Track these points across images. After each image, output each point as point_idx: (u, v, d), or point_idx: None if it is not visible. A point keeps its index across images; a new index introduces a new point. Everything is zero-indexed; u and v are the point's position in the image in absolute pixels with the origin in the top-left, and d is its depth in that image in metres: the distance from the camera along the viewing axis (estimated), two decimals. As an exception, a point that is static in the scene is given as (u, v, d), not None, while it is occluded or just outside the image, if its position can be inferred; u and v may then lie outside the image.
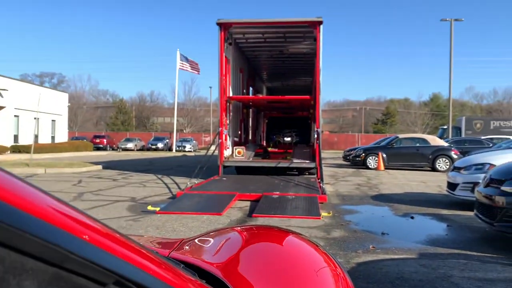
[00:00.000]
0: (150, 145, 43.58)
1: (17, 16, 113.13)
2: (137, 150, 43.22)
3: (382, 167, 18.32)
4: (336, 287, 1.24)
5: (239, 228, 1.74)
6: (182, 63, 37.92)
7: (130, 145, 43.39)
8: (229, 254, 1.26)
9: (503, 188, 5.29)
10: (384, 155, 18.76)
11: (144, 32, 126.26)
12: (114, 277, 0.38)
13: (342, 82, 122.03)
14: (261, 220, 6.95)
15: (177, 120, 49.08)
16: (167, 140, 45.23)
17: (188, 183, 10.25)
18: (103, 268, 0.36)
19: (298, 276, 1.22)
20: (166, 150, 42.72)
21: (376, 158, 18.74)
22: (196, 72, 39.86)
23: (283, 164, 12.81)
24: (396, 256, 4.86)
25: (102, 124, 75.28)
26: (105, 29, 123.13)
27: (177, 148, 41.63)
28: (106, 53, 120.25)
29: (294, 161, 12.83)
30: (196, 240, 1.45)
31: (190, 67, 38.54)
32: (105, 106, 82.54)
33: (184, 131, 63.60)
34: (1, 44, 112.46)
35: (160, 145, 43.25)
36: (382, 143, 20.53)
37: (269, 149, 18.93)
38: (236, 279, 0.95)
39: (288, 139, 19.79)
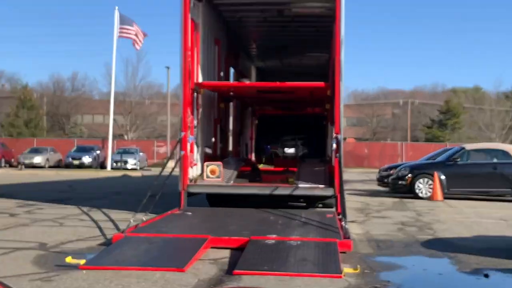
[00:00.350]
0: (70, 159, 43.42)
1: None
2: (49, 167, 42.99)
3: (439, 196, 18.34)
4: None
5: None
6: (124, 29, 37.87)
7: (38, 159, 43.19)
8: None
9: None
10: (443, 177, 18.80)
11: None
12: None
13: (377, 63, 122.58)
14: (247, 280, 6.84)
15: (115, 120, 48.93)
16: (98, 152, 45.12)
17: (132, 220, 10.05)
18: None
19: None
20: (96, 168, 42.59)
21: (430, 182, 18.80)
22: (137, 44, 39.52)
23: (283, 190, 12.74)
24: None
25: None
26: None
27: (115, 164, 41.67)
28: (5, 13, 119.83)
29: (300, 186, 12.73)
30: None
31: (132, 36, 38.29)
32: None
33: (126, 137, 63.37)
34: None
35: (86, 159, 43.14)
36: (440, 158, 20.66)
37: (261, 166, 19.10)
38: None
39: (291, 150, 19.91)
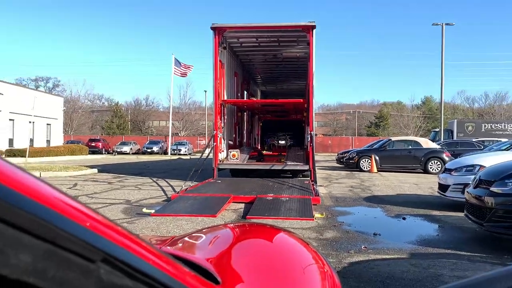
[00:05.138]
0: (145, 149, 43.40)
1: (12, 20, 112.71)
2: (132, 153, 43.04)
3: (375, 170, 18.26)
4: (322, 284, 1.25)
5: (231, 225, 1.75)
6: (176, 68, 37.69)
7: (125, 148, 43.23)
8: (219, 249, 1.28)
9: (492, 188, 5.35)
10: (377, 158, 18.68)
11: (140, 36, 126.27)
12: (103, 255, 0.42)
13: (336, 85, 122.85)
14: (255, 222, 6.95)
15: (172, 124, 48.95)
16: (163, 144, 45.03)
17: (183, 185, 10.18)
18: (93, 246, 0.40)
19: (286, 271, 1.24)
20: (161, 154, 42.50)
21: (369, 161, 18.66)
22: (184, 75, 39.25)
23: (277, 166, 12.78)
24: (387, 256, 4.91)
25: (97, 128, 74.82)
26: (101, 33, 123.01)
27: (172, 151, 41.36)
28: (102, 58, 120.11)
29: (288, 163, 12.79)
30: (187, 237, 1.47)
31: (182, 72, 38.14)
32: (100, 110, 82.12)
33: (179, 134, 63.40)
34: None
35: (155, 148, 43.08)
36: (375, 146, 20.43)
37: (264, 152, 18.86)
38: (226, 272, 0.97)
39: (282, 142, 19.64)
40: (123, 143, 45.26)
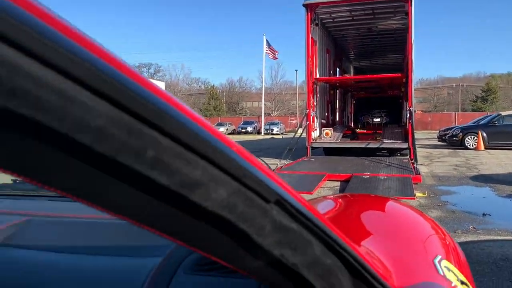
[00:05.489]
0: (240, 129, 44.92)
1: (118, 12, 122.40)
2: (228, 133, 44.79)
3: (482, 147, 16.81)
4: (447, 256, 1.13)
5: (333, 196, 1.78)
6: (268, 49, 37.98)
7: (222, 129, 45.08)
8: (337, 216, 1.31)
9: None
10: (484, 134, 17.15)
11: (231, 19, 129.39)
12: (276, 197, 0.49)
13: (436, 58, 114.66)
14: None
15: (265, 104, 49.79)
16: (256, 124, 46.19)
17: (278, 163, 10.25)
18: (269, 188, 0.47)
19: (409, 234, 1.20)
20: (255, 133, 43.71)
21: (475, 138, 17.21)
22: (275, 58, 39.46)
23: (373, 145, 12.25)
24: (499, 237, 4.56)
25: (195, 110, 78.36)
26: (195, 20, 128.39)
27: (265, 131, 42.27)
28: (197, 43, 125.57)
29: (385, 141, 12.24)
30: None
31: (272, 55, 38.37)
32: (198, 93, 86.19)
33: (272, 114, 64.36)
34: (104, 38, 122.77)
35: (249, 128, 44.36)
36: (482, 122, 18.68)
37: (357, 130, 18.29)
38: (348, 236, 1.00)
39: (378, 119, 18.78)
40: (220, 124, 47.21)
